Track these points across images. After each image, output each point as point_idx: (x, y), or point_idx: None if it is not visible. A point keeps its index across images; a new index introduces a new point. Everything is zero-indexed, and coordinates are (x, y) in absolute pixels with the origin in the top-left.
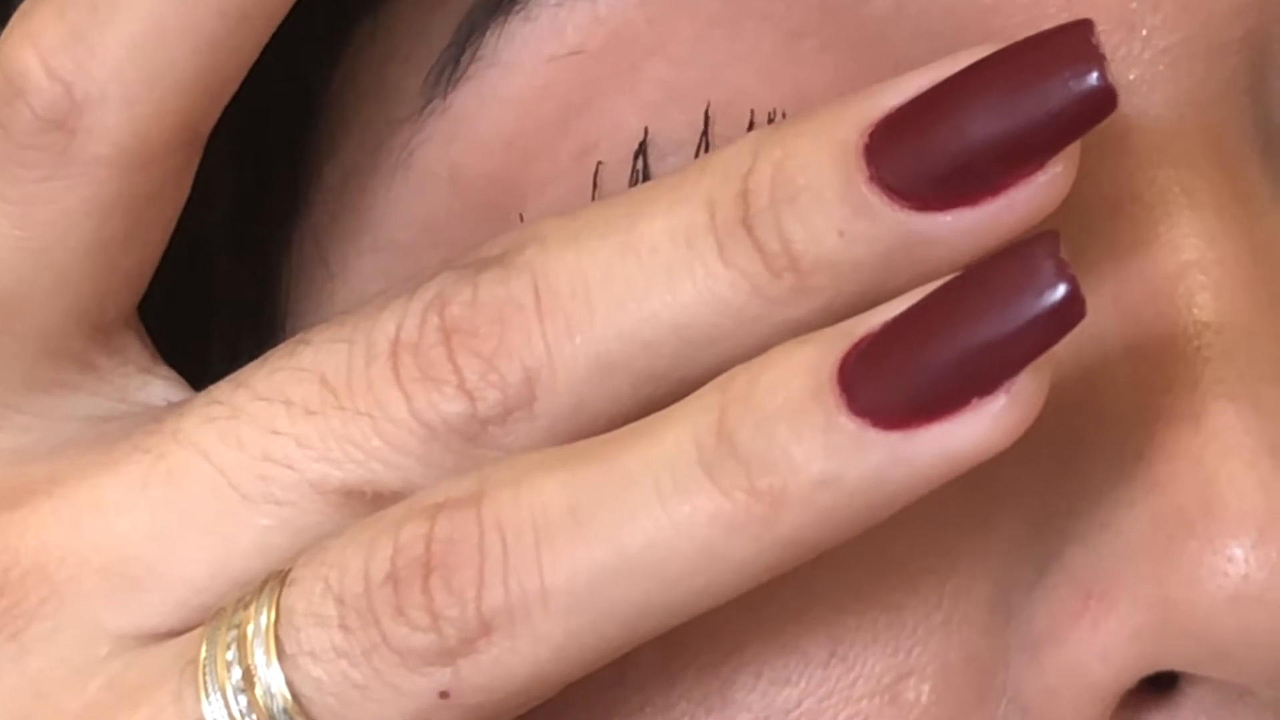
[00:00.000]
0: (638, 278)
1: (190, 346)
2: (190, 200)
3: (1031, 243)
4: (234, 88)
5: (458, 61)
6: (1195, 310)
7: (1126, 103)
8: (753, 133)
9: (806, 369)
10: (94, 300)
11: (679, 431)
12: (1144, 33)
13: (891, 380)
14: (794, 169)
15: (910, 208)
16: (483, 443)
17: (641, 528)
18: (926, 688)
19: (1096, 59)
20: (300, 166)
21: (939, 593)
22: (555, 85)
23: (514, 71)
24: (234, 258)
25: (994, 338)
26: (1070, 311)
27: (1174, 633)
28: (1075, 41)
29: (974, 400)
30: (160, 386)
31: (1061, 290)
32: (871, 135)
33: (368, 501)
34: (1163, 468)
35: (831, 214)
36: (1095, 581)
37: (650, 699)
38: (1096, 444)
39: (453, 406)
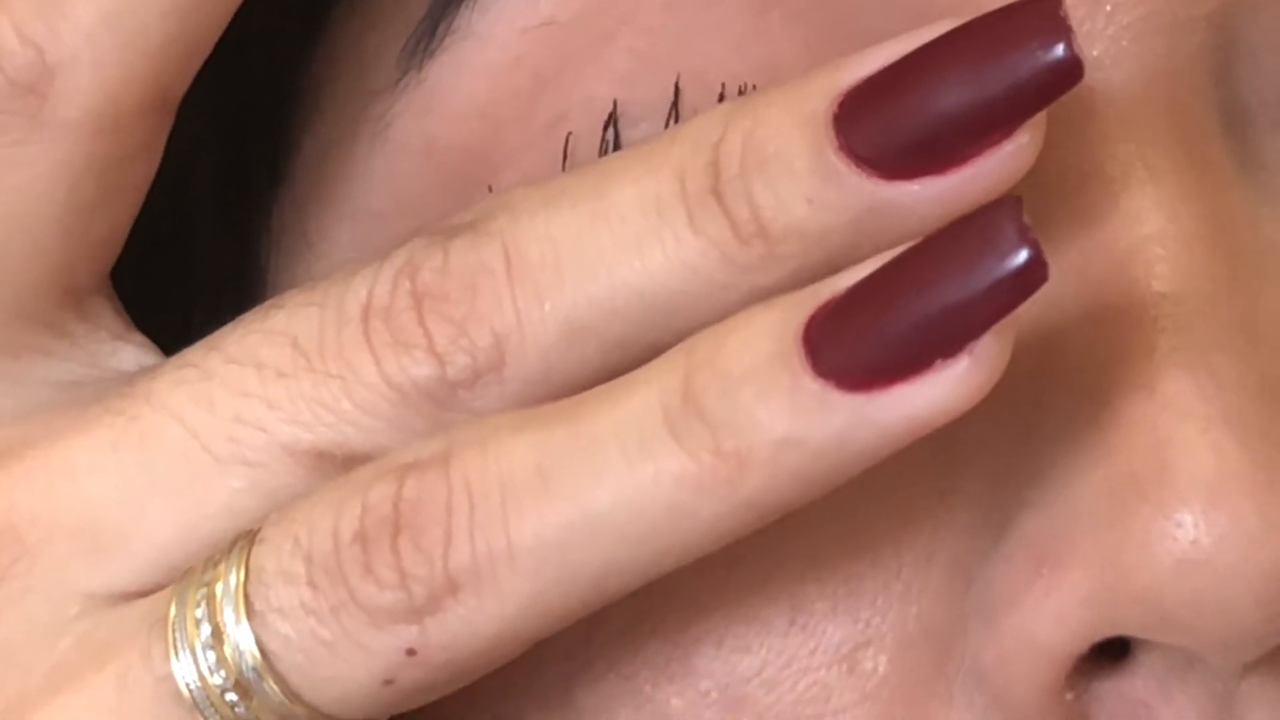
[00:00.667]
0: (607, 245)
1: (171, 316)
2: (172, 170)
3: (994, 207)
4: (206, 52)
5: (433, 33)
6: (1153, 281)
7: (1090, 77)
8: (723, 104)
9: (771, 332)
10: (66, 265)
11: (645, 394)
12: (1108, 8)
13: (856, 342)
14: (763, 138)
15: (878, 176)
16: (452, 406)
17: (607, 488)
18: (884, 658)
19: (1064, 30)
20: (280, 137)
21: (898, 561)
22: (528, 56)
23: (487, 43)
24: (215, 228)
25: (957, 300)
26: (1032, 275)
27: (1125, 598)
28: (1043, 13)
29: (937, 362)
30: (133, 352)
31: (1024, 254)
32: (841, 105)
33: (338, 464)
34: (1117, 434)
35: (800, 182)
36: (1049, 548)
37: (614, 665)
38: (1054, 412)
39: (422, 370)
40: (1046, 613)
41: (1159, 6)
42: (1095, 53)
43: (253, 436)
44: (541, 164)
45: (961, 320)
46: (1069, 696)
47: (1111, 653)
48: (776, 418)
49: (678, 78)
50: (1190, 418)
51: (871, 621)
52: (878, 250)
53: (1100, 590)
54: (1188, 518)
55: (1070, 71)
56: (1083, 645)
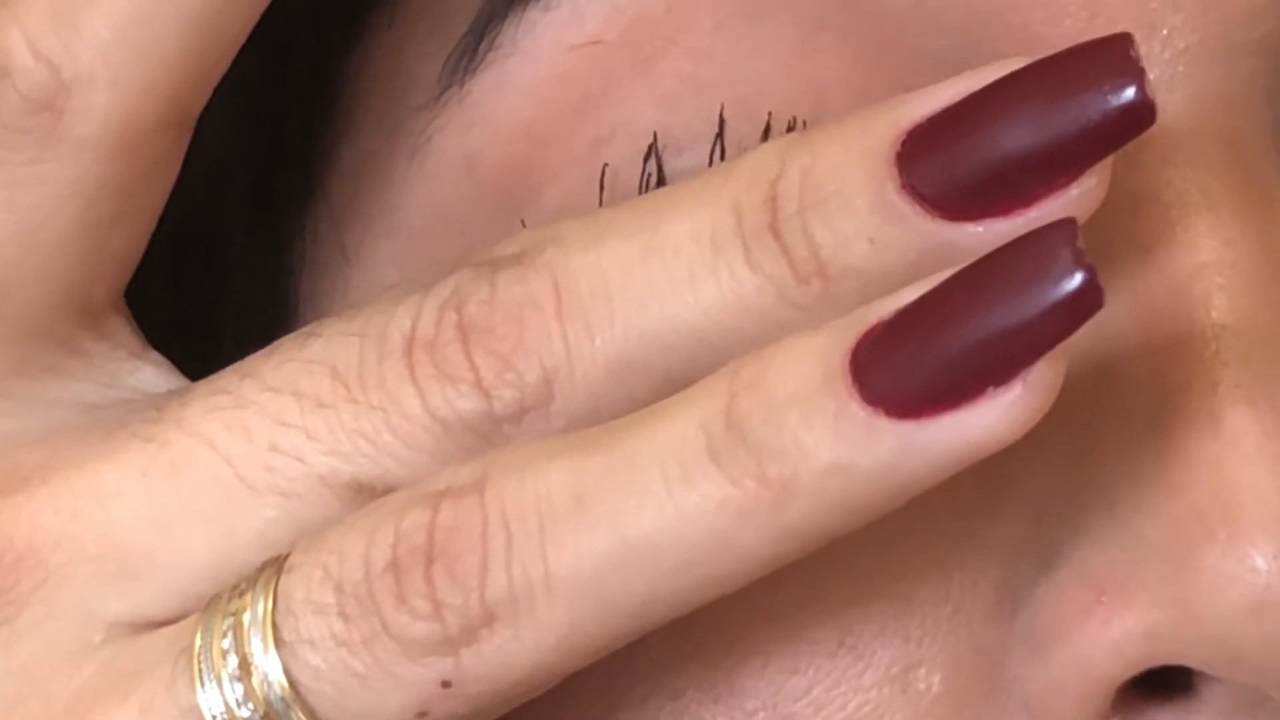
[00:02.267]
0: (660, 279)
1: (201, 333)
2: (206, 182)
3: (1048, 230)
4: (224, 68)
5: (476, 49)
6: (1213, 312)
7: None
8: (778, 140)
9: (818, 356)
10: (82, 284)
11: (687, 418)
12: (1164, 32)
13: (905, 368)
14: (823, 175)
15: (941, 217)
16: (496, 441)
17: (648, 515)
18: (937, 678)
19: (1135, 72)
20: (316, 150)
21: (946, 584)
22: (573, 74)
23: (532, 60)
24: (249, 241)
25: (1010, 326)
26: (1088, 300)
27: (1193, 635)
28: (1114, 54)
29: (989, 389)
30: (151, 372)
31: (1079, 278)
32: (903, 143)
33: (376, 497)
34: (1182, 471)
35: (861, 221)
36: (1110, 579)
37: (657, 687)
38: (1110, 441)
39: (468, 404)
40: (1104, 643)
41: (1215, 31)
42: (1150, 77)
43: (290, 466)
44: (583, 183)
45: (1014, 346)
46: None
47: (1164, 682)
48: (822, 444)
49: (721, 107)
50: (1257, 457)
51: (922, 642)
52: None
53: (1166, 625)
54: (1260, 562)
55: (1142, 115)
56: (1135, 672)
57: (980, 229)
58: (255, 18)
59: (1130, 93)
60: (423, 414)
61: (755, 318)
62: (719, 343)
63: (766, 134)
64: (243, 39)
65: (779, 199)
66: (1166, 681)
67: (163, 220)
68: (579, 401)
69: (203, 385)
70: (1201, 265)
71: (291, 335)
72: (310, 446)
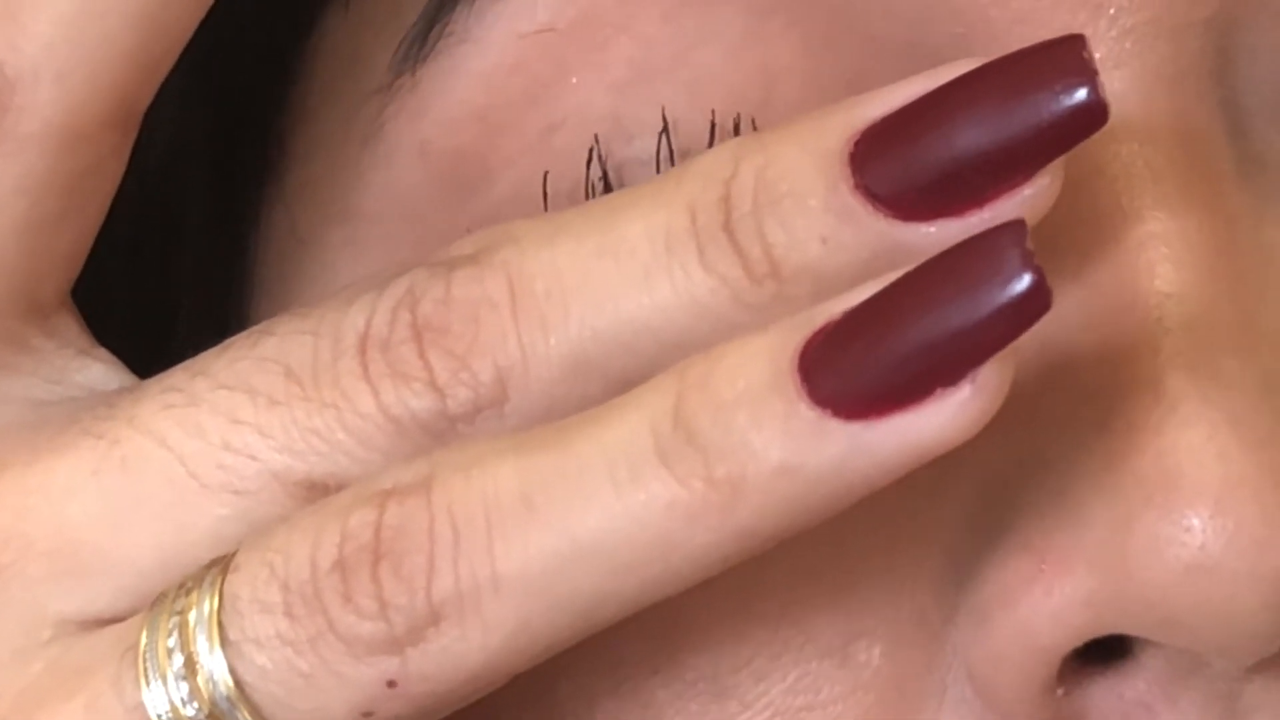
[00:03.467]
0: (614, 279)
1: (156, 314)
2: (163, 162)
3: (997, 232)
4: (170, 62)
5: (427, 37)
6: (1157, 281)
7: None
8: (732, 140)
9: (767, 356)
10: (29, 280)
11: (636, 418)
12: (1111, 11)
13: (853, 369)
14: (776, 175)
15: (894, 216)
16: (450, 440)
17: (595, 515)
18: (878, 650)
19: (1088, 73)
20: (272, 133)
21: (890, 558)
22: (524, 62)
23: (484, 47)
24: (203, 221)
25: (959, 327)
26: (1035, 302)
27: (1131, 600)
28: (1067, 55)
29: (937, 390)
30: (100, 369)
31: (1027, 280)
32: (857, 144)
33: (329, 495)
34: (1123, 438)
35: (815, 221)
36: (1050, 548)
37: (596, 659)
38: (1053, 412)
39: (422, 402)
40: (1045, 611)
41: (1161, 11)
42: (1097, 56)
43: (243, 465)
44: (537, 170)
45: (963, 348)
46: (1060, 692)
47: (1105, 651)
48: (771, 445)
49: (662, 109)
50: (1196, 422)
51: (864, 615)
52: None
53: (1105, 591)
54: (1195, 523)
55: (1094, 115)
56: (1077, 642)
57: (933, 229)
58: (201, 13)
59: (1082, 94)
60: (376, 412)
61: (709, 317)
62: (674, 342)
63: (713, 130)
64: (189, 33)
65: (733, 199)
66: (1108, 650)
67: (118, 202)
68: (533, 401)
69: (154, 383)
70: (1147, 235)
71: (244, 333)
72: (263, 444)
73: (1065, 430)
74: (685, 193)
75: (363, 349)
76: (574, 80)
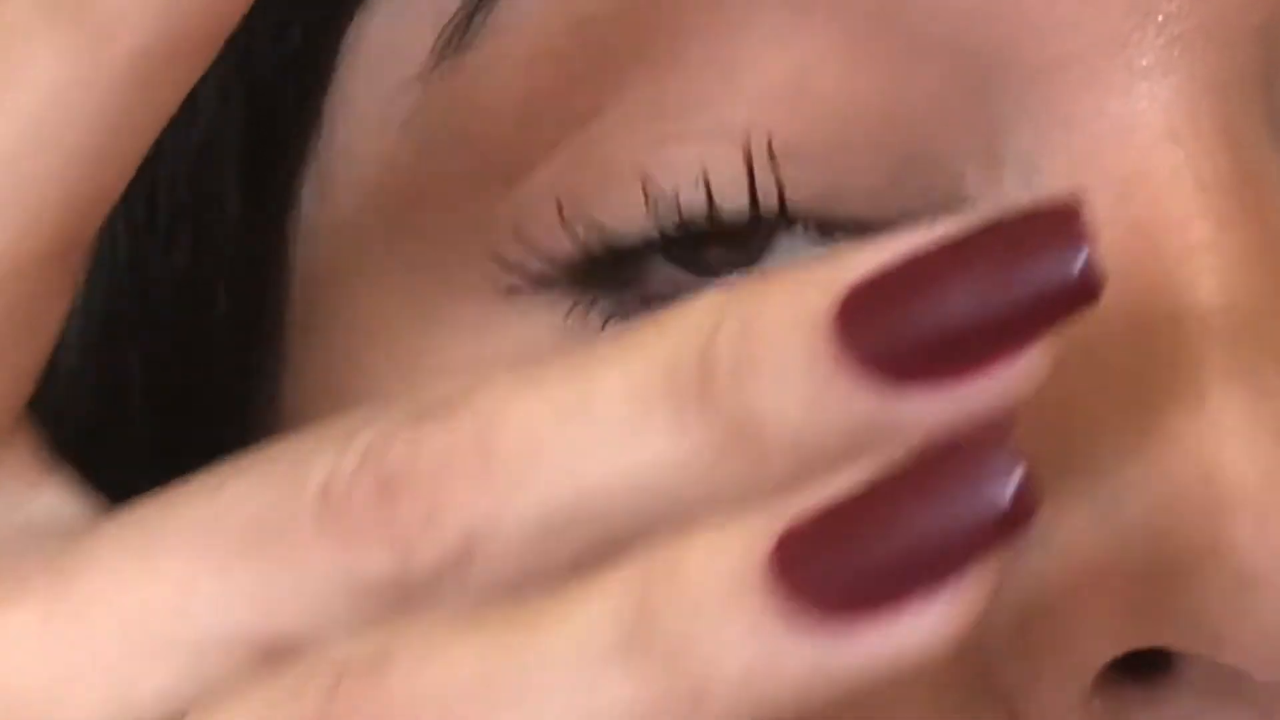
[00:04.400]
0: (588, 440)
1: (194, 306)
2: (199, 155)
3: (984, 435)
4: (118, 192)
5: (468, 24)
6: (1201, 292)
7: (1140, 87)
8: (715, 294)
9: (738, 551)
10: None
11: (599, 607)
12: (1159, 18)
13: (827, 570)
14: (758, 337)
15: (880, 384)
16: (413, 604)
17: (556, 712)
18: None
19: (1084, 242)
20: (310, 122)
21: None
22: (564, 51)
23: (523, 36)
24: (242, 208)
25: (941, 533)
26: (1022, 510)
27: (1170, 612)
28: (1063, 222)
29: (915, 595)
30: (52, 496)
31: (1014, 487)
32: (844, 303)
33: (281, 657)
34: (1164, 449)
35: (796, 389)
36: (1090, 560)
37: None
38: (1095, 421)
39: (382, 565)
40: (1084, 622)
41: (1210, 18)
42: (1145, 63)
43: (193, 623)
44: (574, 162)
45: (945, 554)
46: (1096, 703)
47: (1144, 663)
48: (739, 649)
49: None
50: (1239, 434)
51: None
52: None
53: (1145, 604)
54: (1239, 537)
55: (1088, 289)
56: (1115, 654)
57: (921, 400)
58: (152, 138)
59: (1077, 266)
60: (335, 573)
61: (687, 483)
62: (648, 507)
63: (748, 158)
64: (135, 167)
65: (712, 360)
66: (1146, 662)
67: (156, 192)
68: (499, 565)
69: (112, 525)
70: (1192, 245)
71: (204, 476)
72: (216, 604)
73: (1106, 438)
74: (666, 349)
75: (323, 505)
76: (614, 71)
